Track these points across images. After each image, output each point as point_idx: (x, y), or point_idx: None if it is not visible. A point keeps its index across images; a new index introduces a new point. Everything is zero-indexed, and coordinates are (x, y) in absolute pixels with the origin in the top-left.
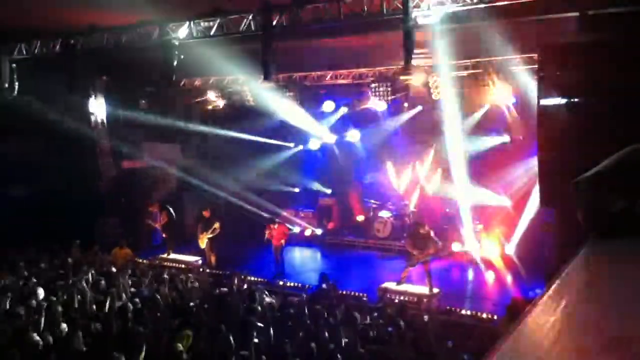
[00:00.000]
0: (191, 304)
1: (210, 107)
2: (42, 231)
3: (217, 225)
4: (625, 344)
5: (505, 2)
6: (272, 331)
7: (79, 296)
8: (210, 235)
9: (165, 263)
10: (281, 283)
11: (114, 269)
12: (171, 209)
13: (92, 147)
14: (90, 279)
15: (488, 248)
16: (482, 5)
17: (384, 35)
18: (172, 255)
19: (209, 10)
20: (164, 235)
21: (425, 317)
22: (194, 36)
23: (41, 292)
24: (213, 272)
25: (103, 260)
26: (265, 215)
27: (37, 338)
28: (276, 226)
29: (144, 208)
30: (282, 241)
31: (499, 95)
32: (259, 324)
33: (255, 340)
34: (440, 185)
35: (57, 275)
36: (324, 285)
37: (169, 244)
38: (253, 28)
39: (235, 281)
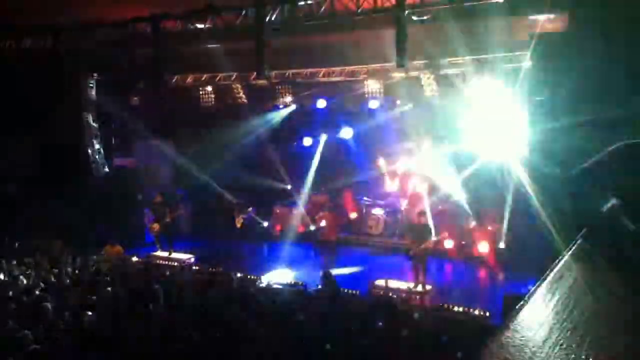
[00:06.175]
0: None
1: (202, 103)
2: (33, 229)
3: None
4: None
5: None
6: (267, 330)
7: None
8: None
9: (158, 261)
10: (275, 281)
11: None
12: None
13: (83, 144)
14: None
15: (481, 244)
16: (476, 3)
17: (378, 32)
18: (164, 253)
19: (202, 7)
20: (154, 234)
21: (416, 314)
22: (187, 33)
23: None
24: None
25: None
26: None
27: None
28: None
29: (152, 202)
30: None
31: (491, 91)
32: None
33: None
34: (433, 182)
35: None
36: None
37: (167, 242)
38: (246, 25)
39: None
